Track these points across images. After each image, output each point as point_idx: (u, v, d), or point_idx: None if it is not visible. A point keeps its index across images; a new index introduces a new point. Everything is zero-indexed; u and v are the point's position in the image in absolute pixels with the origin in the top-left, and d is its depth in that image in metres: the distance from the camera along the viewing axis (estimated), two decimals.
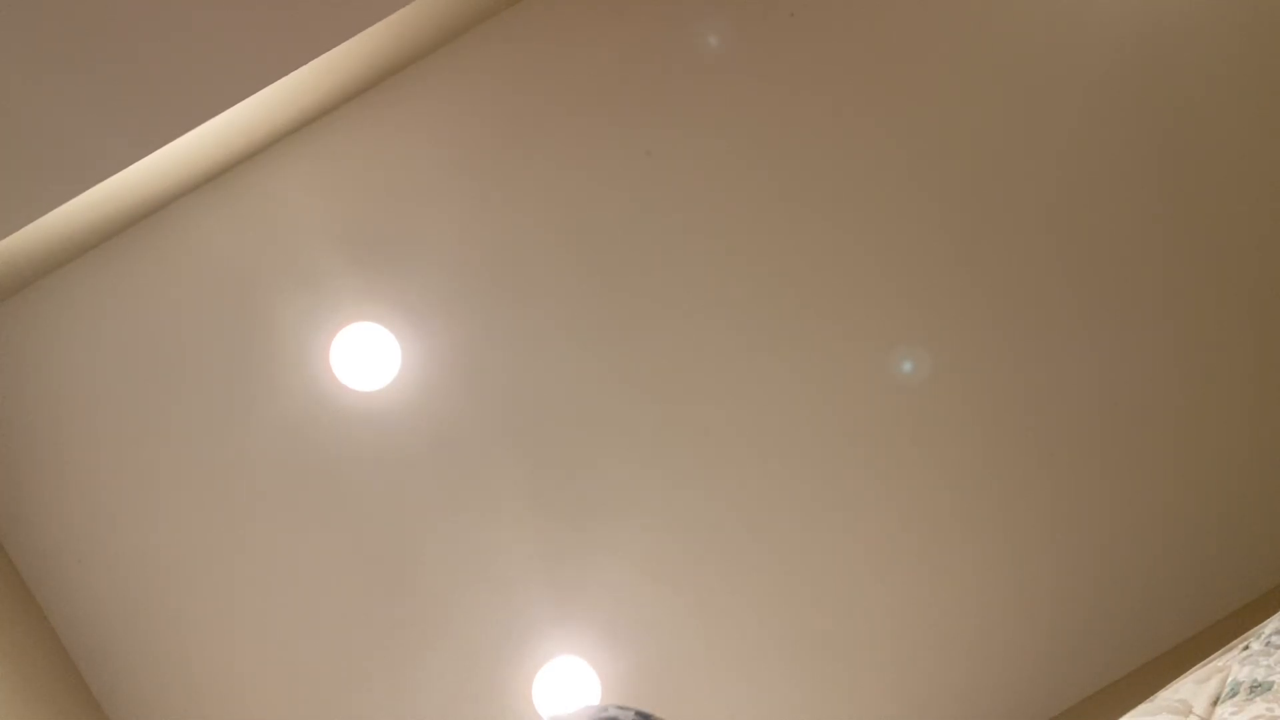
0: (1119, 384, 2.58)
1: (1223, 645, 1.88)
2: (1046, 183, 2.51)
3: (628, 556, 2.57)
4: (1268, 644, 1.67)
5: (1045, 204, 2.52)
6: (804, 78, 2.43)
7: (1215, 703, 1.60)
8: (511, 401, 2.53)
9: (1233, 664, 1.68)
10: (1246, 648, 1.72)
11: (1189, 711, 1.62)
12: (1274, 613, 1.85)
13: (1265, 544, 2.65)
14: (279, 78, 1.99)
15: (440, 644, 2.56)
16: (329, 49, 1.99)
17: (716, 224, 2.49)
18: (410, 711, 2.59)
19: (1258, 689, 1.53)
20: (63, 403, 2.44)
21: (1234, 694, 1.57)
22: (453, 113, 2.41)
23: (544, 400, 2.53)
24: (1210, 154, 2.52)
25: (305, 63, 1.99)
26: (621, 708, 1.11)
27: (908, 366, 2.55)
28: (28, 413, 2.44)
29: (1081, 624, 2.64)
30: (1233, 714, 1.50)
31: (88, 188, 1.99)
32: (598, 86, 2.41)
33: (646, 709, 1.11)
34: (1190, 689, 1.69)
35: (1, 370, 2.42)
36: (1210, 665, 1.77)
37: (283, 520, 2.51)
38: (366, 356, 2.45)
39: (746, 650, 2.62)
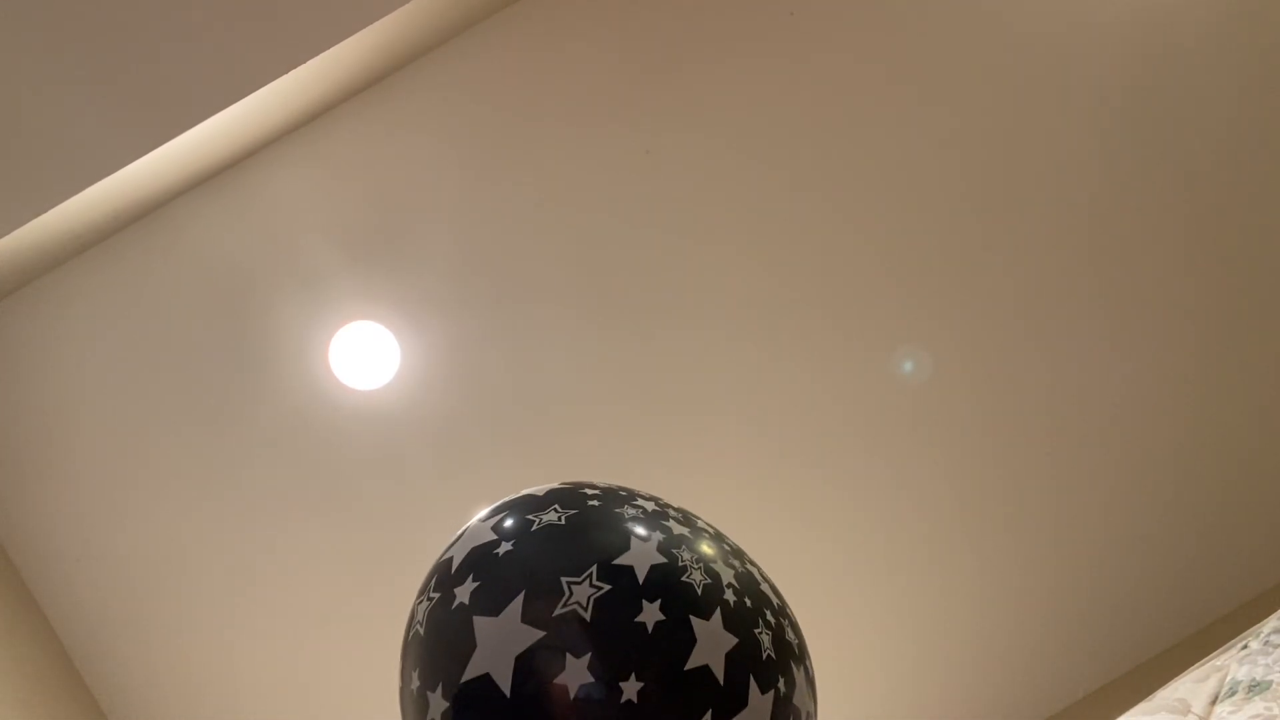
0: (1120, 383, 2.58)
1: (1221, 644, 1.88)
2: (1051, 181, 2.51)
3: None
4: (1266, 643, 1.67)
5: (1050, 202, 2.52)
6: (804, 76, 2.43)
7: (1214, 702, 1.60)
8: (510, 400, 2.53)
9: (1231, 663, 1.68)
10: (1245, 647, 1.72)
11: (1187, 710, 1.62)
12: (1273, 612, 1.85)
13: (1265, 543, 2.65)
14: (278, 76, 1.99)
15: None
16: (329, 47, 1.99)
17: (716, 222, 2.49)
18: None
19: (1256, 688, 1.53)
20: (62, 401, 2.44)
21: (1232, 693, 1.57)
22: (452, 111, 2.40)
23: (543, 400, 2.53)
24: (1218, 155, 2.52)
25: (305, 61, 1.99)
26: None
27: (911, 366, 2.55)
28: (27, 412, 2.45)
29: (1081, 622, 2.64)
30: (1231, 713, 1.50)
31: (87, 186, 1.99)
32: (597, 86, 2.41)
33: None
34: (1189, 688, 1.70)
35: (1, 369, 2.42)
36: (1209, 664, 1.77)
37: (282, 519, 2.52)
38: (365, 355, 2.45)
39: None
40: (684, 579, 0.87)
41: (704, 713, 0.81)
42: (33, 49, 1.91)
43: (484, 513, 1.00)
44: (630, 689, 0.80)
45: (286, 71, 1.98)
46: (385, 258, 2.46)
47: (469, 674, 0.83)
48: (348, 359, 2.44)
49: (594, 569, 0.86)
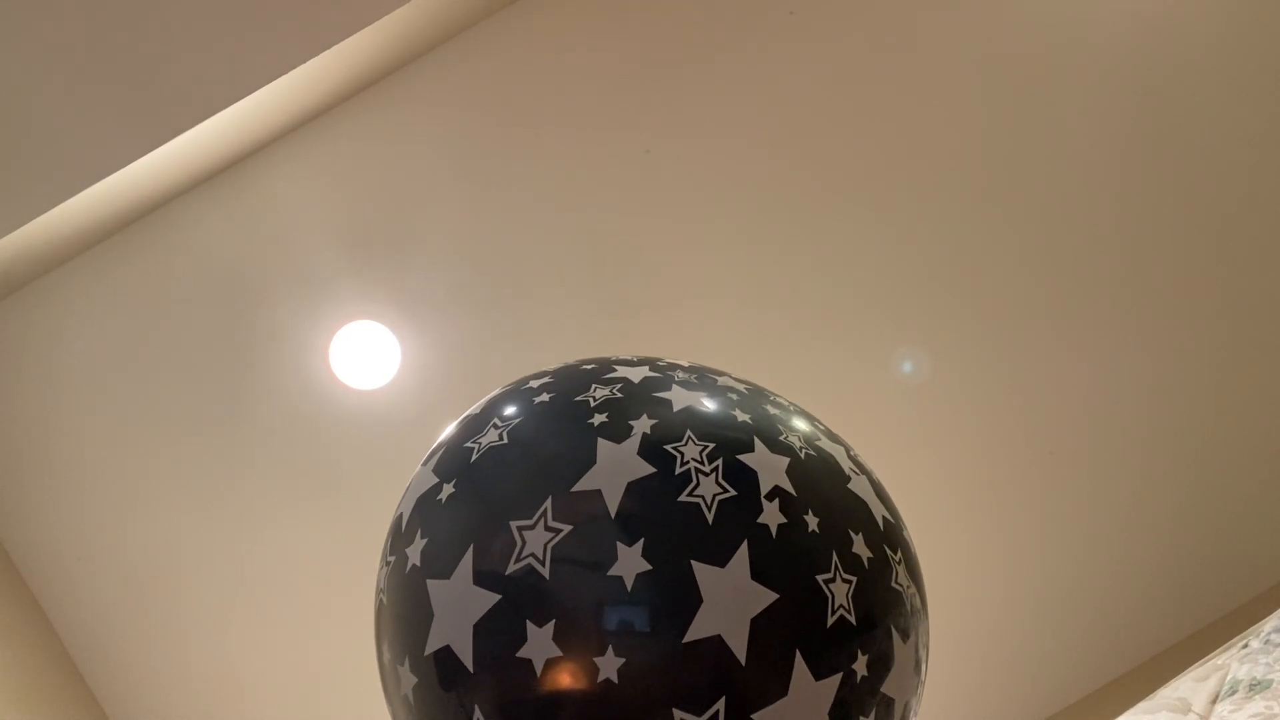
0: (1119, 383, 2.58)
1: (1222, 643, 1.88)
2: (1046, 183, 2.51)
3: None
4: (1267, 642, 1.67)
5: (1046, 204, 2.52)
6: (803, 76, 2.43)
7: (1214, 700, 1.60)
8: None
9: (1232, 662, 1.68)
10: (1246, 645, 1.72)
11: (1188, 709, 1.62)
12: (1273, 611, 1.85)
13: (1265, 542, 2.65)
14: (278, 76, 1.99)
15: None
16: (328, 47, 1.98)
17: (715, 222, 2.49)
18: None
19: (1257, 687, 1.53)
20: (63, 401, 2.44)
21: (1233, 692, 1.57)
22: (452, 110, 2.40)
23: None
24: (1227, 156, 2.52)
25: (305, 60, 1.99)
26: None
27: (908, 368, 2.55)
28: (27, 411, 2.44)
29: (1081, 622, 2.64)
30: (1231, 712, 1.50)
31: (87, 186, 1.99)
32: (597, 85, 2.41)
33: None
34: (1189, 686, 1.70)
35: (1, 369, 2.42)
36: (1209, 663, 1.77)
37: (282, 519, 2.52)
38: (366, 355, 2.45)
39: None
40: (685, 497, 0.58)
41: (713, 701, 0.56)
42: (33, 49, 1.91)
43: (429, 450, 0.81)
44: (608, 666, 0.58)
45: (286, 71, 1.98)
46: (385, 257, 2.45)
47: (431, 646, 0.66)
48: (348, 358, 2.44)
49: (548, 504, 0.61)
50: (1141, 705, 1.74)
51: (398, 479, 2.62)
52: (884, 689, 0.61)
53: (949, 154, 2.48)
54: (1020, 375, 2.58)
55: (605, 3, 2.37)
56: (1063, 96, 2.47)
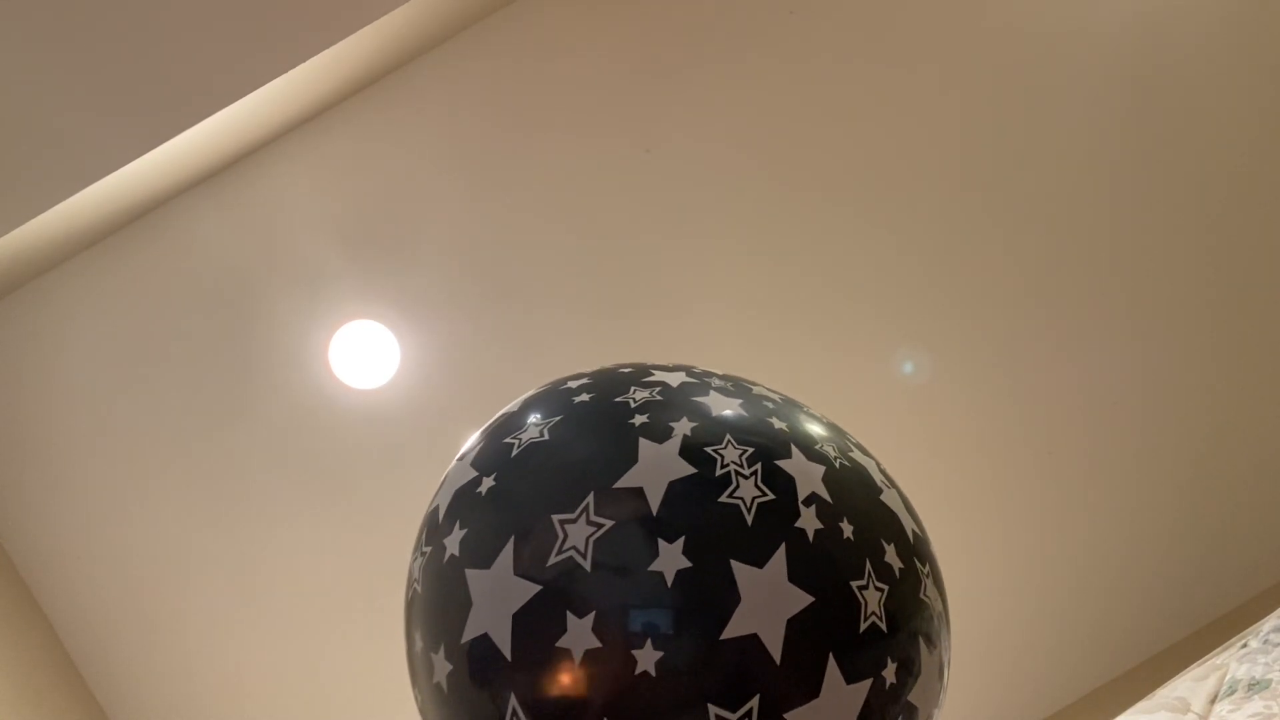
0: (1118, 384, 2.58)
1: (1221, 643, 1.89)
2: (1046, 181, 2.51)
3: None
4: (1266, 641, 1.67)
5: (1046, 203, 2.52)
6: (803, 75, 2.43)
7: (1213, 700, 1.60)
8: (510, 399, 2.52)
9: (1231, 661, 1.68)
10: (1245, 645, 1.72)
11: (1187, 709, 1.62)
12: (1273, 611, 1.85)
13: (1263, 542, 2.65)
14: (278, 75, 1.99)
15: None
16: (328, 46, 1.98)
17: (715, 222, 2.49)
18: (411, 712, 2.59)
19: (1256, 687, 1.53)
20: (61, 401, 2.44)
21: (1232, 691, 1.57)
22: (451, 110, 2.40)
23: None
24: (1225, 154, 2.52)
25: (304, 60, 1.99)
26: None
27: (908, 368, 2.55)
28: (27, 411, 2.44)
29: (1080, 621, 2.64)
30: (1230, 711, 1.50)
31: (86, 185, 1.99)
32: (597, 84, 2.41)
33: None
34: (1188, 686, 1.70)
35: (1, 369, 2.42)
36: (1208, 663, 1.77)
37: (282, 518, 2.51)
38: (365, 354, 2.45)
39: None
40: (725, 498, 0.60)
41: (747, 699, 0.57)
42: (33, 48, 1.91)
43: (465, 447, 0.84)
44: (646, 659, 0.59)
45: (286, 71, 1.98)
46: (385, 257, 2.46)
47: (468, 634, 0.67)
48: (347, 358, 2.44)
49: (590, 499, 0.63)
50: (1140, 705, 1.74)
51: (397, 478, 2.62)
52: (909, 697, 0.63)
53: (951, 151, 2.49)
54: (1019, 376, 2.58)
55: (605, 2, 2.37)
56: (1058, 100, 2.47)
